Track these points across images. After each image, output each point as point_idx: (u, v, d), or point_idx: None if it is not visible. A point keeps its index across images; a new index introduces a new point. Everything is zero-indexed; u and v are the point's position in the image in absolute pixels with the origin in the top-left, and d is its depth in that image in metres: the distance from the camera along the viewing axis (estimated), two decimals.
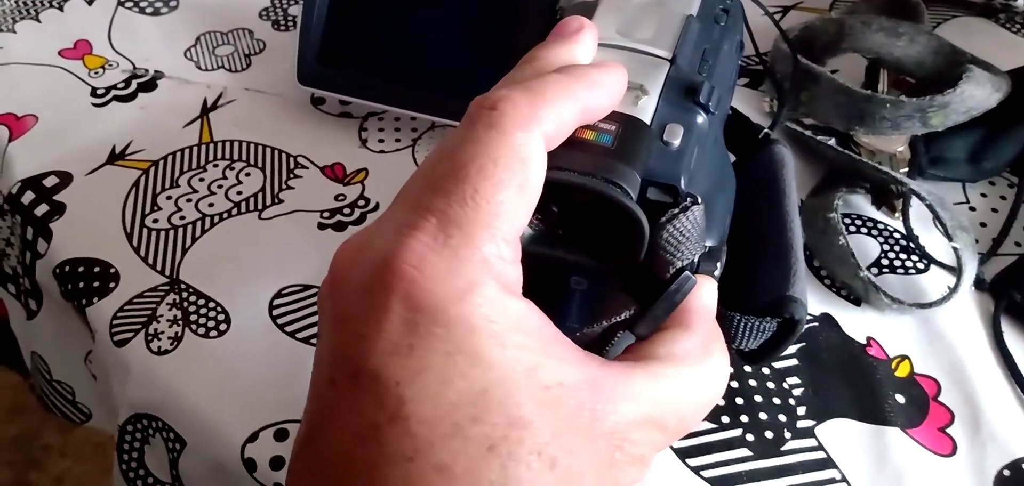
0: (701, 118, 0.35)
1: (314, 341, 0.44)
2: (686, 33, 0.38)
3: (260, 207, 0.51)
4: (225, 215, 0.50)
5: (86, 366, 0.53)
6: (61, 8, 0.65)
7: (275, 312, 0.46)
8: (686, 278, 0.33)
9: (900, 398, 0.43)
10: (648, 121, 0.34)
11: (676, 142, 0.34)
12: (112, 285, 0.47)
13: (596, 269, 0.35)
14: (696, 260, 0.34)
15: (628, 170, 0.32)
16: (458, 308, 0.25)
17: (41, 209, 0.51)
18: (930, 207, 0.45)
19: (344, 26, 0.54)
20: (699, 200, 0.33)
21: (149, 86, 0.59)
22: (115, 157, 0.54)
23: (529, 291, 0.38)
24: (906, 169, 0.50)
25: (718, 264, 0.37)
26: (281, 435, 0.41)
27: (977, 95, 0.49)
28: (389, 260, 0.25)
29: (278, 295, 0.46)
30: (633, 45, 0.37)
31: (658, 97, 0.35)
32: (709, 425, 0.42)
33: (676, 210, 0.33)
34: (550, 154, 0.32)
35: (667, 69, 0.36)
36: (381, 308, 0.25)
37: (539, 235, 0.33)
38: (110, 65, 0.60)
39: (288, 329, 0.45)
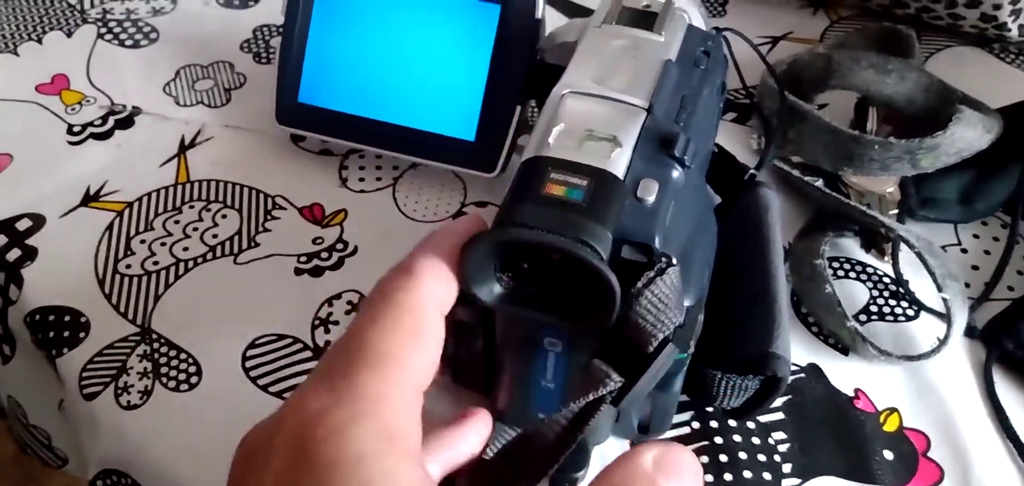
0: (677, 172, 0.34)
1: (286, 394, 0.43)
2: (664, 80, 0.37)
3: (236, 251, 0.50)
4: (200, 260, 0.49)
5: (61, 412, 0.52)
6: (40, 41, 0.64)
7: (248, 364, 0.45)
8: (672, 350, 0.32)
9: (888, 454, 0.42)
10: (622, 175, 0.33)
11: (650, 199, 0.33)
12: (82, 335, 0.46)
13: (568, 330, 0.34)
14: (681, 322, 0.32)
15: (599, 228, 0.31)
16: (354, 472, 0.24)
17: (13, 254, 0.50)
18: (919, 255, 0.44)
19: (324, 64, 0.52)
20: (674, 261, 0.32)
21: (126, 123, 0.58)
22: (89, 198, 0.53)
23: (504, 346, 0.37)
24: (896, 211, 0.49)
25: (696, 325, 0.36)
26: None
27: (967, 137, 0.48)
28: (284, 418, 0.26)
29: (252, 345, 0.45)
30: (608, 93, 0.36)
31: (632, 149, 0.34)
32: None
33: (652, 274, 0.31)
34: (520, 209, 0.31)
35: (643, 119, 0.35)
36: (264, 462, 0.25)
37: (509, 292, 0.33)
38: (87, 101, 0.59)
39: (261, 382, 0.44)
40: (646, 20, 0.41)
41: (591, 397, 0.31)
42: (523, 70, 0.48)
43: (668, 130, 0.35)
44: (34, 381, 0.53)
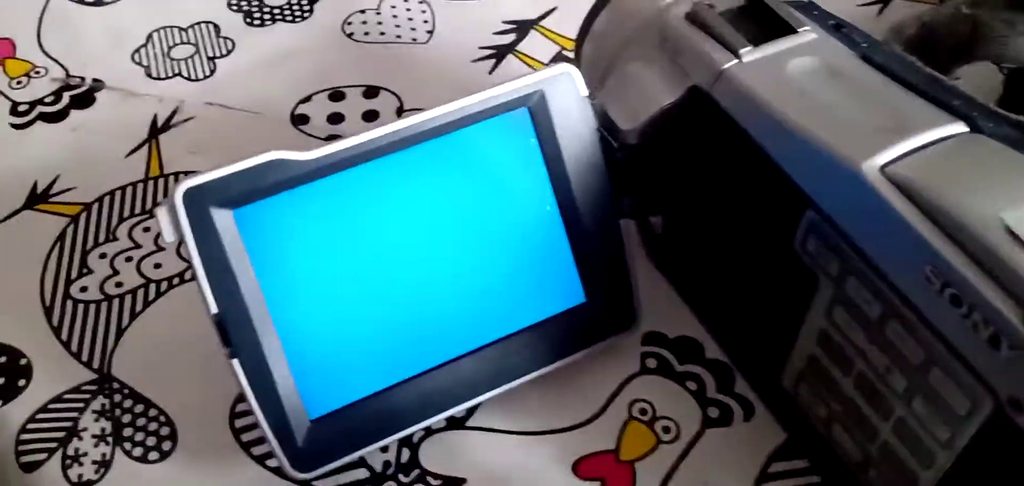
0: None
1: None
2: (908, 79, 0.28)
3: None
4: (176, 280, 0.39)
5: None
6: None
7: (238, 423, 0.34)
8: None
9: None
10: None
11: None
12: (22, 383, 0.35)
13: None
14: None
15: None
16: None
17: None
18: None
19: (321, 346, 0.31)
20: None
21: (85, 100, 0.47)
22: (36, 198, 0.42)
23: None
24: None
25: None
26: None
27: None
28: None
29: (242, 398, 0.35)
30: (923, 137, 0.26)
31: None
32: None
33: None
34: None
35: (987, 140, 0.26)
36: None
37: None
38: (37, 72, 0.48)
39: (256, 450, 0.33)
40: (770, 21, 0.31)
41: None
42: (603, 173, 0.33)
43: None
44: None
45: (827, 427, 0.31)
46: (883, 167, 0.25)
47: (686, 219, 0.35)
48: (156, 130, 0.45)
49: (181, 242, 0.29)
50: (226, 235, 0.29)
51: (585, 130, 0.32)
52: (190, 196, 0.28)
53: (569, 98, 0.32)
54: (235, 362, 0.29)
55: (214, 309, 0.29)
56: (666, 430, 0.34)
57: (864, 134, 0.26)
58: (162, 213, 0.28)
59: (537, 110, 0.31)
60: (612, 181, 0.33)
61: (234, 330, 0.29)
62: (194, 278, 0.29)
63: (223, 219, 0.29)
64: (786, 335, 0.31)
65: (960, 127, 0.25)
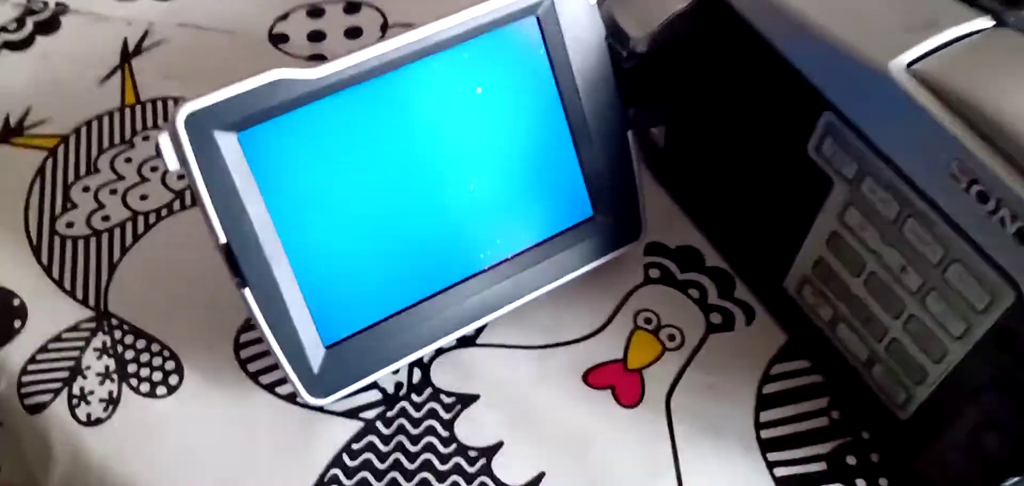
0: None
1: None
2: None
3: None
4: (164, 211, 0.38)
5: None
6: None
7: (244, 353, 0.34)
8: None
9: None
10: None
11: None
12: (17, 324, 0.35)
13: None
14: None
15: None
16: None
17: None
18: None
19: (333, 269, 0.31)
20: None
21: (50, 26, 0.45)
22: (10, 132, 0.40)
23: None
24: None
25: None
26: None
27: None
28: None
29: (246, 327, 0.34)
30: None
31: None
32: None
33: None
34: None
35: None
36: None
37: None
38: None
39: (264, 379, 0.33)
40: None
41: None
42: (611, 85, 0.32)
43: None
44: None
45: (832, 328, 0.31)
46: (910, 65, 0.24)
47: (691, 128, 0.35)
48: (128, 55, 0.43)
49: (183, 170, 0.28)
50: (231, 160, 0.28)
51: (594, 39, 0.32)
52: (192, 121, 0.27)
53: (577, 5, 0.31)
54: (246, 292, 0.29)
55: (222, 238, 0.28)
56: (671, 337, 0.34)
57: (889, 32, 0.25)
58: (164, 140, 0.28)
59: (546, 18, 0.31)
60: (625, 93, 0.32)
61: (243, 259, 0.29)
62: (198, 206, 0.28)
63: (228, 143, 0.28)
64: (791, 239, 0.31)
65: (986, 22, 0.25)
